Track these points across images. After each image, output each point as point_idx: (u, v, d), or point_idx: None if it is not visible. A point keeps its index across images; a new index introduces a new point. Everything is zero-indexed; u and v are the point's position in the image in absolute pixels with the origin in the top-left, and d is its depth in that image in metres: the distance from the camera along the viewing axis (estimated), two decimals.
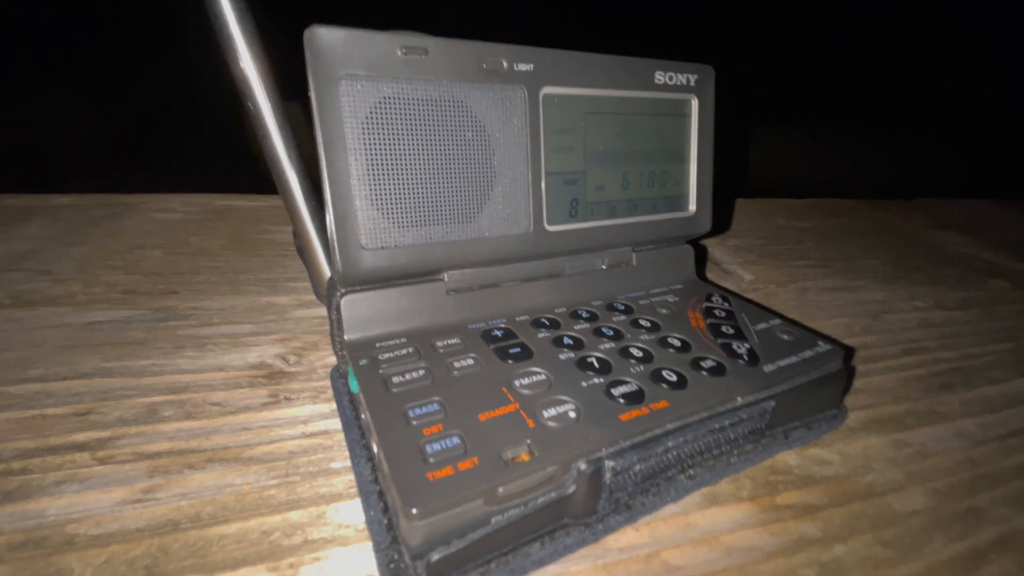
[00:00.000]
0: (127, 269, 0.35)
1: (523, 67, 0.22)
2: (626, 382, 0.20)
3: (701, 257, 0.49)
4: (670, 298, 0.28)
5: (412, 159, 0.20)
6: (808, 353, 0.23)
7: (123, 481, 0.18)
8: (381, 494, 0.17)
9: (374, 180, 0.20)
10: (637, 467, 0.17)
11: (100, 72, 0.53)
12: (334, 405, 0.23)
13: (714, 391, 0.20)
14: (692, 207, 0.29)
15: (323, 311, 0.31)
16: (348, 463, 0.19)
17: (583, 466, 0.16)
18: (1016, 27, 0.85)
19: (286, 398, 0.23)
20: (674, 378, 0.20)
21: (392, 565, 0.15)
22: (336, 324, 0.21)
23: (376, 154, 0.19)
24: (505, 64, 0.21)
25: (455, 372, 0.19)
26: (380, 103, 0.19)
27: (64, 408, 0.21)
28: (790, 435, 0.22)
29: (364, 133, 0.19)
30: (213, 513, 0.17)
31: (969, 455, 0.23)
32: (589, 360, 0.21)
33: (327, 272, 0.25)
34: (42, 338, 0.26)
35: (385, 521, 0.16)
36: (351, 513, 0.17)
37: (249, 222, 0.47)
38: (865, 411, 0.25)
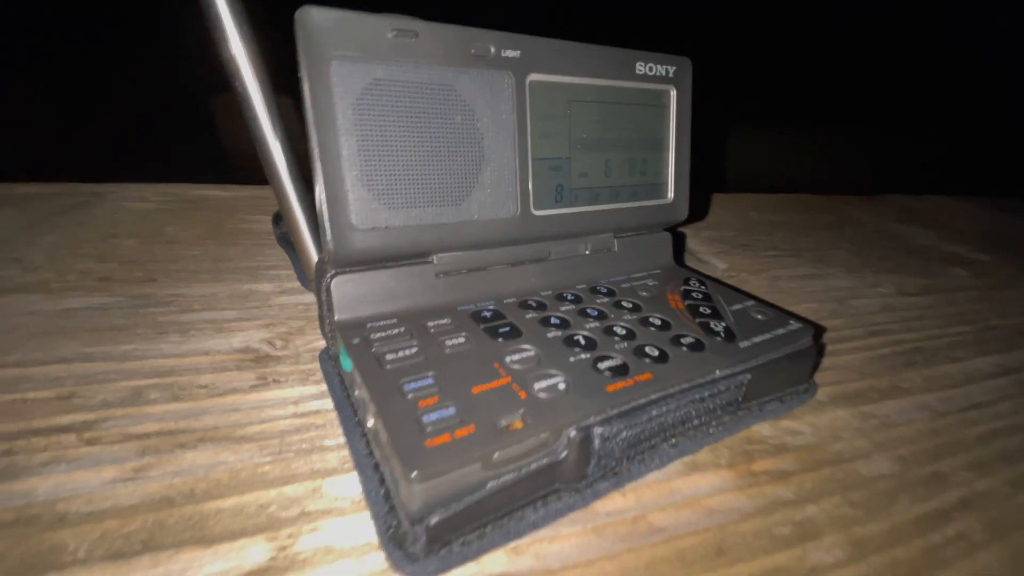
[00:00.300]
0: (100, 257, 0.34)
1: (510, 53, 0.22)
2: (611, 357, 0.20)
3: (679, 244, 0.50)
4: (650, 282, 0.29)
5: (402, 141, 0.20)
6: (780, 331, 0.24)
7: (113, 461, 0.18)
8: (377, 467, 0.17)
9: (365, 161, 0.20)
10: (624, 434, 0.18)
11: (58, 60, 0.52)
12: (324, 386, 0.23)
13: (694, 365, 0.21)
14: (670, 195, 0.30)
15: (307, 298, 0.31)
16: (341, 440, 0.20)
17: (573, 433, 0.17)
18: (978, 30, 0.89)
19: (275, 380, 0.23)
20: (656, 353, 0.21)
21: (391, 531, 0.15)
22: (326, 305, 0.22)
23: (367, 135, 0.20)
24: (493, 50, 0.22)
25: (447, 350, 0.20)
26: (371, 85, 0.19)
27: (46, 392, 0.21)
28: (764, 408, 0.23)
29: (355, 114, 0.19)
30: (207, 489, 0.17)
31: (932, 426, 0.24)
32: (576, 338, 0.22)
33: (314, 256, 0.25)
34: (15, 325, 0.26)
35: (382, 491, 0.16)
36: (346, 486, 0.18)
37: (225, 212, 0.46)
38: (833, 387, 0.26)
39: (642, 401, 0.18)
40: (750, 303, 0.27)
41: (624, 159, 0.27)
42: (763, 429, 0.23)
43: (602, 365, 0.20)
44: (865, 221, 0.67)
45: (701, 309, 0.26)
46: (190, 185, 0.52)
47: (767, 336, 0.23)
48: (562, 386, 0.18)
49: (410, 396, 0.17)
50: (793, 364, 0.24)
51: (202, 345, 0.25)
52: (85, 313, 0.27)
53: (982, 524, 0.19)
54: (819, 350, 0.28)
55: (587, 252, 0.28)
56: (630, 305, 0.25)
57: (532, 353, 0.20)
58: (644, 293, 0.27)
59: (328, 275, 0.21)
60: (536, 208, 0.25)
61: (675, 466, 0.20)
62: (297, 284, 0.33)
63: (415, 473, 0.14)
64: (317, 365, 0.24)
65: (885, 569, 0.17)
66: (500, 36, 0.22)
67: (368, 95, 0.19)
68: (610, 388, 0.19)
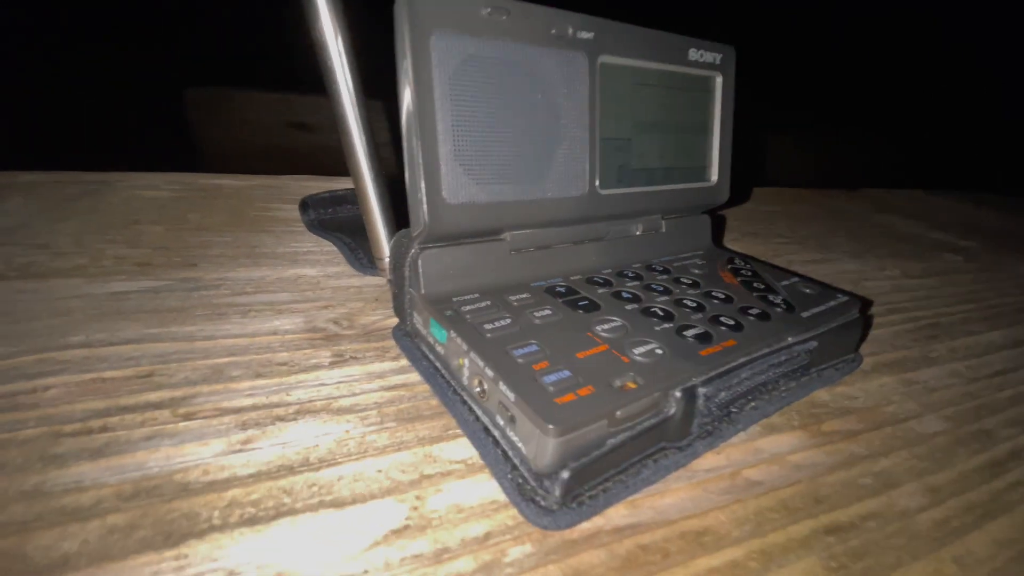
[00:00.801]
0: (130, 243, 0.33)
1: (585, 35, 0.23)
2: (692, 326, 0.21)
3: (721, 225, 0.52)
4: (698, 261, 0.30)
5: (491, 117, 0.21)
6: (832, 303, 0.25)
7: (216, 434, 0.18)
8: (487, 430, 0.18)
9: (458, 136, 0.20)
10: (722, 394, 0.18)
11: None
12: (402, 361, 0.23)
13: (767, 333, 0.22)
14: (714, 178, 0.31)
15: (356, 281, 0.31)
16: (438, 409, 0.20)
17: (679, 393, 0.17)
18: (936, 34, 0.95)
19: (352, 357, 0.23)
20: (731, 322, 0.22)
21: (519, 488, 0.16)
22: (410, 280, 0.22)
23: (460, 110, 0.20)
24: (571, 31, 0.22)
25: (537, 321, 0.20)
26: (466, 59, 0.20)
27: (123, 371, 0.21)
28: (822, 375, 0.24)
29: (451, 88, 0.20)
30: (322, 457, 0.17)
31: (967, 390, 0.26)
32: (653, 310, 0.22)
33: (383, 235, 0.25)
34: (68, 307, 0.25)
35: (499, 452, 0.17)
36: (456, 451, 0.18)
37: (243, 200, 0.46)
38: (872, 357, 0.28)
39: (734, 364, 0.19)
40: (795, 279, 0.28)
41: (676, 142, 0.29)
42: (822, 395, 0.24)
43: (687, 333, 0.21)
44: (851, 212, 0.70)
45: (755, 285, 0.27)
46: (199, 174, 0.51)
47: (823, 308, 0.25)
48: (660, 351, 0.19)
49: (520, 361, 0.18)
50: (847, 334, 0.25)
51: (267, 325, 0.25)
52: (136, 296, 0.26)
53: None
54: (867, 322, 0.30)
55: (638, 233, 0.29)
56: (689, 281, 0.26)
57: (619, 323, 0.21)
58: (696, 271, 0.28)
59: (414, 250, 0.21)
60: (602, 187, 0.25)
61: (754, 428, 0.21)
62: (342, 268, 0.32)
63: (552, 427, 0.15)
64: (390, 342, 0.24)
65: (962, 511, 0.18)
66: (577, 18, 0.23)
67: (463, 70, 0.20)
68: (703, 352, 0.19)
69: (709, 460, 0.19)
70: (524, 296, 0.22)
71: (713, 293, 0.25)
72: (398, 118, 0.20)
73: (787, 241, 0.52)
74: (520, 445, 0.16)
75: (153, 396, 0.19)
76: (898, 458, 0.20)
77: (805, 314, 0.24)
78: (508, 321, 0.20)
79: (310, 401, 0.20)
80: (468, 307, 0.21)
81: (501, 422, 0.17)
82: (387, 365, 0.23)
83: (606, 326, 0.21)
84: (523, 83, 0.22)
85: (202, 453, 0.17)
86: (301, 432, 0.18)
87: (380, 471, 0.17)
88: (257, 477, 0.16)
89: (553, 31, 0.22)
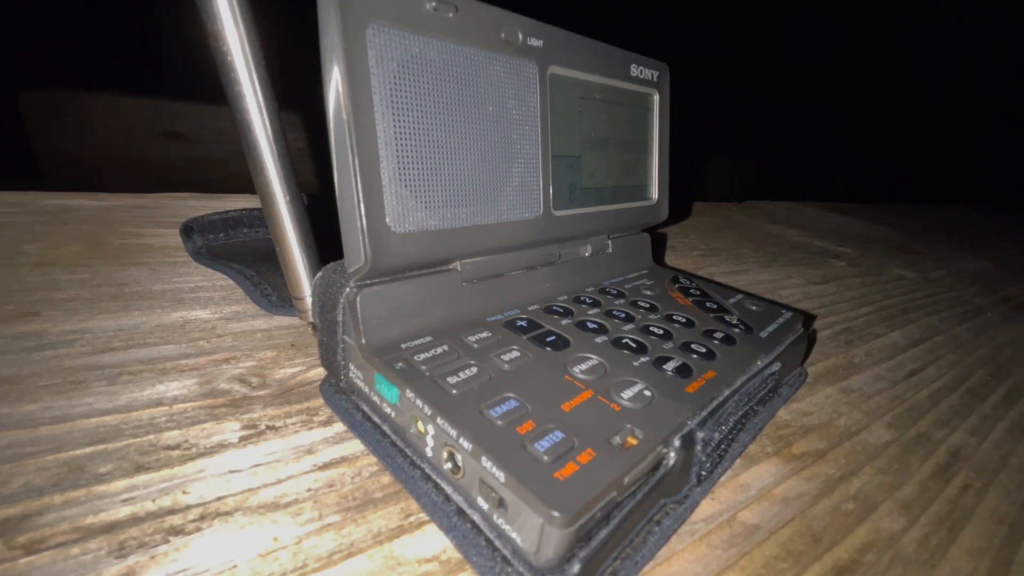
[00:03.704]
0: None
1: (535, 42, 0.21)
2: (670, 358, 0.20)
3: (662, 243, 0.53)
4: (646, 281, 0.29)
5: (439, 130, 0.18)
6: (781, 320, 0.26)
7: (78, 570, 0.12)
8: (462, 512, 0.14)
9: (402, 151, 0.17)
10: (716, 436, 0.17)
11: None
12: (338, 426, 0.19)
13: (738, 358, 0.21)
14: (654, 196, 0.31)
15: (263, 322, 0.26)
16: (391, 490, 0.16)
17: (678, 442, 0.16)
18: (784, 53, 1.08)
19: (270, 427, 0.18)
20: (703, 349, 0.21)
21: None
22: (345, 325, 0.18)
23: (404, 120, 0.17)
24: (520, 36, 0.20)
25: (506, 367, 0.18)
26: (408, 60, 0.16)
27: None
28: (780, 392, 0.24)
29: (392, 93, 0.16)
30: None
31: (893, 393, 0.28)
32: (624, 341, 0.21)
33: (302, 271, 0.21)
34: None
35: (481, 542, 0.14)
36: (424, 545, 0.14)
37: (103, 225, 0.37)
38: (809, 367, 0.29)
39: (721, 399, 0.18)
40: (740, 296, 0.28)
41: (620, 160, 0.27)
42: (781, 413, 0.24)
43: (666, 367, 0.19)
44: (746, 223, 0.76)
45: (707, 305, 0.26)
46: (40, 193, 0.41)
47: (775, 325, 0.25)
48: (648, 392, 0.17)
49: (500, 423, 0.15)
50: (798, 350, 0.25)
51: (147, 393, 0.19)
52: None
53: (974, 471, 0.22)
54: (811, 336, 0.31)
55: (587, 254, 0.27)
56: (647, 305, 0.25)
57: (596, 361, 0.19)
58: (648, 292, 0.27)
59: (349, 289, 0.17)
60: (555, 208, 0.23)
61: (735, 462, 0.20)
62: (243, 307, 0.27)
63: (559, 515, 0.12)
64: (317, 401, 0.20)
65: (936, 525, 0.18)
66: (526, 23, 0.20)
67: (405, 72, 0.16)
68: (689, 389, 0.18)
69: (703, 509, 0.17)
70: (484, 335, 0.19)
71: (674, 317, 0.24)
72: (319, 128, 0.16)
73: (702, 254, 0.54)
74: (514, 535, 0.13)
75: None
76: (866, 475, 0.21)
77: (762, 334, 0.24)
78: (474, 370, 0.17)
79: (218, 499, 0.15)
80: (422, 355, 0.17)
81: (484, 505, 0.14)
82: (317, 434, 0.18)
83: (583, 366, 0.18)
84: (472, 92, 0.19)
85: None
86: (209, 548, 0.14)
87: None
88: None
89: (503, 35, 0.20)
